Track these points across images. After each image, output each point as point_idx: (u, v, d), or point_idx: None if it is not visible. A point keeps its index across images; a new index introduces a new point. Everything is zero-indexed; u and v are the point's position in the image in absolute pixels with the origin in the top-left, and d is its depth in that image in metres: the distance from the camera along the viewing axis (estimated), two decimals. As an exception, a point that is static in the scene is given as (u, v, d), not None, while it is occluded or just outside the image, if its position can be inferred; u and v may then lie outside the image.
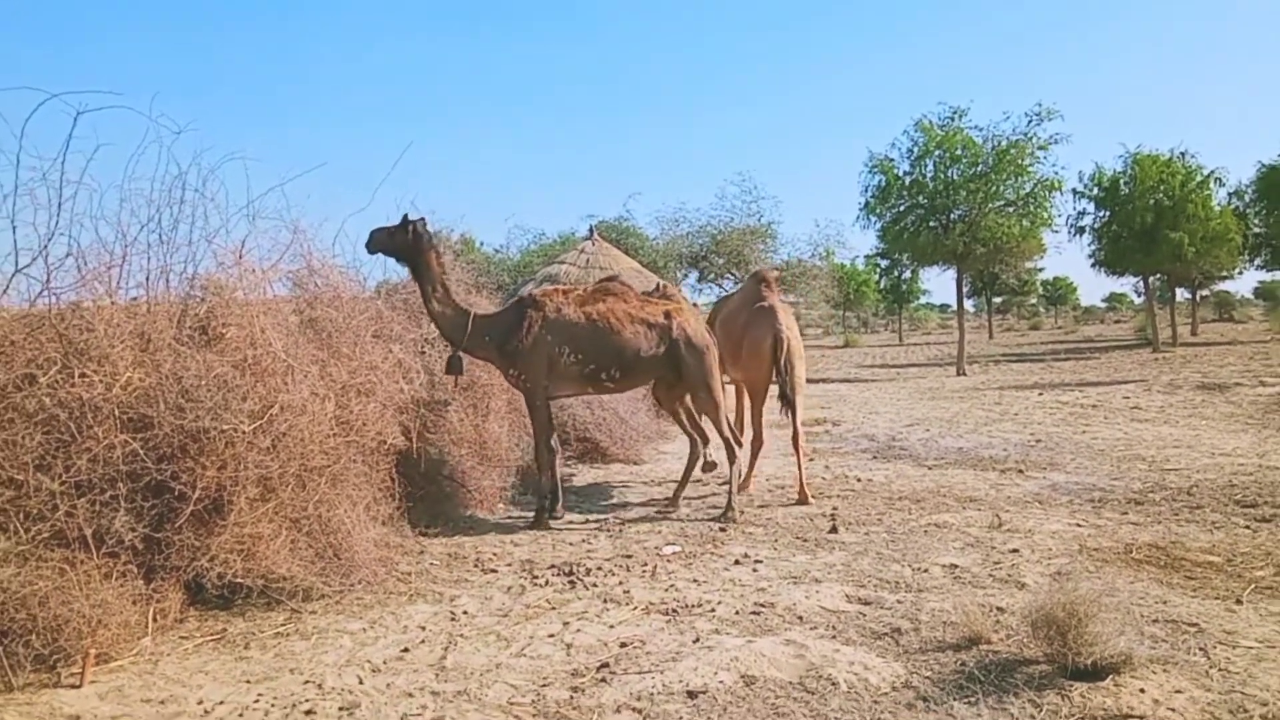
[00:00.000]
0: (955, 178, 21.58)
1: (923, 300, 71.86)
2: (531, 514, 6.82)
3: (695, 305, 10.57)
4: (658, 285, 10.75)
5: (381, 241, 6.33)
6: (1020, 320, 75.43)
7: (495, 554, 5.87)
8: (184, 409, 4.42)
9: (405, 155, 7.11)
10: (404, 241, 6.34)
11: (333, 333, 5.52)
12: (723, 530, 6.39)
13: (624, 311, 6.74)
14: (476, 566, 5.57)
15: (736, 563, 5.54)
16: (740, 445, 7.15)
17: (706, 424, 7.59)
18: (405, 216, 6.40)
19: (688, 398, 7.35)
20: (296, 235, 5.62)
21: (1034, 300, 76.36)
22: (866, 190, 22.92)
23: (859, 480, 8.28)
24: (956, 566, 5.32)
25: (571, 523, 6.81)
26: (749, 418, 8.18)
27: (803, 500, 7.31)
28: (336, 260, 6.06)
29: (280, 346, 4.87)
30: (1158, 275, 32.10)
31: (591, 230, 15.36)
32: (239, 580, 4.52)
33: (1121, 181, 27.65)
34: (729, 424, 7.06)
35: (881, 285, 54.79)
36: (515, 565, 5.59)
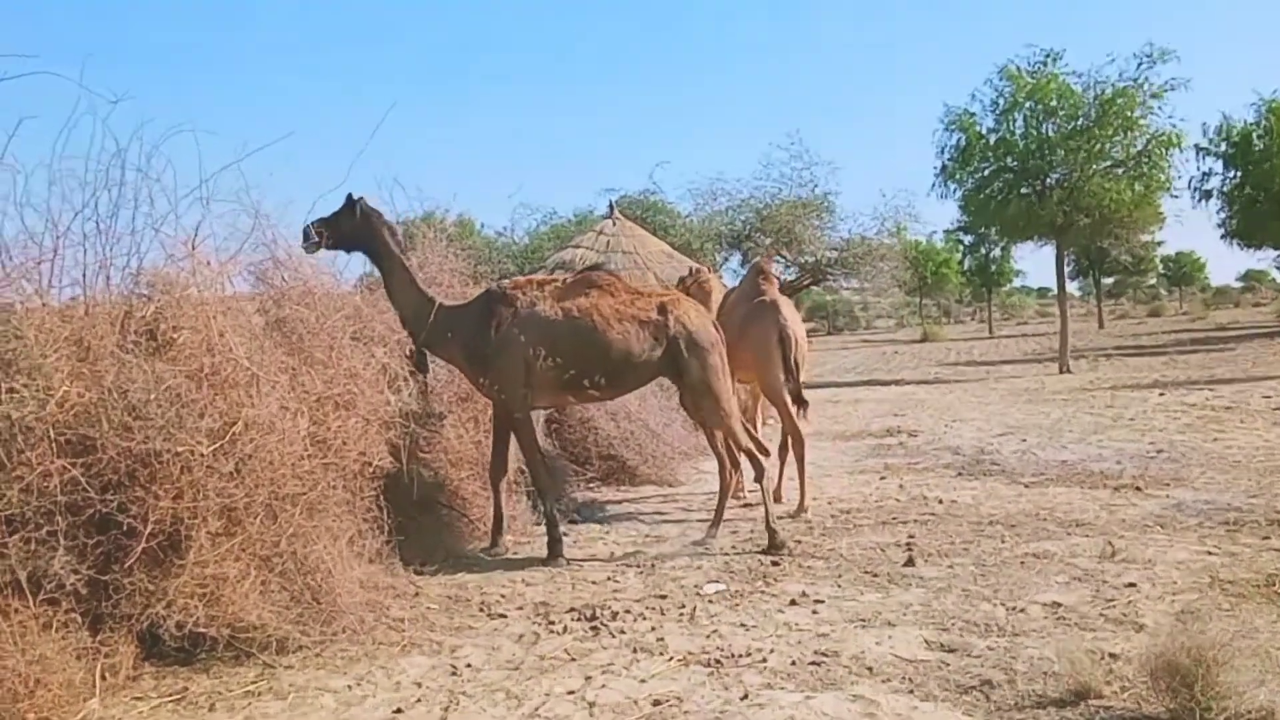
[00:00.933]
0: (1050, 134, 21.39)
1: (1017, 283, 71.37)
2: (547, 547, 6.83)
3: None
4: (690, 270, 10.86)
5: (325, 234, 6.35)
6: (1137, 305, 74.55)
7: (504, 595, 5.89)
8: (131, 429, 4.48)
9: (387, 121, 7.13)
10: (353, 226, 6.42)
11: (305, 335, 5.57)
12: (775, 564, 6.38)
13: (610, 307, 6.74)
14: (482, 611, 5.60)
15: (793, 603, 5.53)
16: (766, 454, 7.10)
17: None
18: (349, 196, 6.49)
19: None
20: (259, 221, 5.67)
21: (1153, 281, 75.53)
22: (943, 152, 22.81)
23: (941, 502, 8.24)
24: (1060, 605, 5.27)
25: (594, 557, 6.83)
26: (788, 424, 8.43)
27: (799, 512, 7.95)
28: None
29: (243, 353, 4.92)
30: (1304, 247, 31.65)
31: (611, 207, 15.39)
32: (201, 630, 4.56)
33: (1255, 135, 27.31)
34: (748, 433, 7.06)
35: (965, 266, 54.43)
36: (528, 609, 5.61)
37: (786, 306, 8.41)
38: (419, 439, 6.58)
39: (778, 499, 8.38)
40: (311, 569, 5.05)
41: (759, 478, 6.96)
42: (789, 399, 8.05)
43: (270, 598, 4.84)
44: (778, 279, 9.05)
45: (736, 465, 7.53)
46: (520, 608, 5.64)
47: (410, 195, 7.90)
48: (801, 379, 8.08)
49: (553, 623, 5.32)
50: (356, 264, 7.16)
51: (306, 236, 6.30)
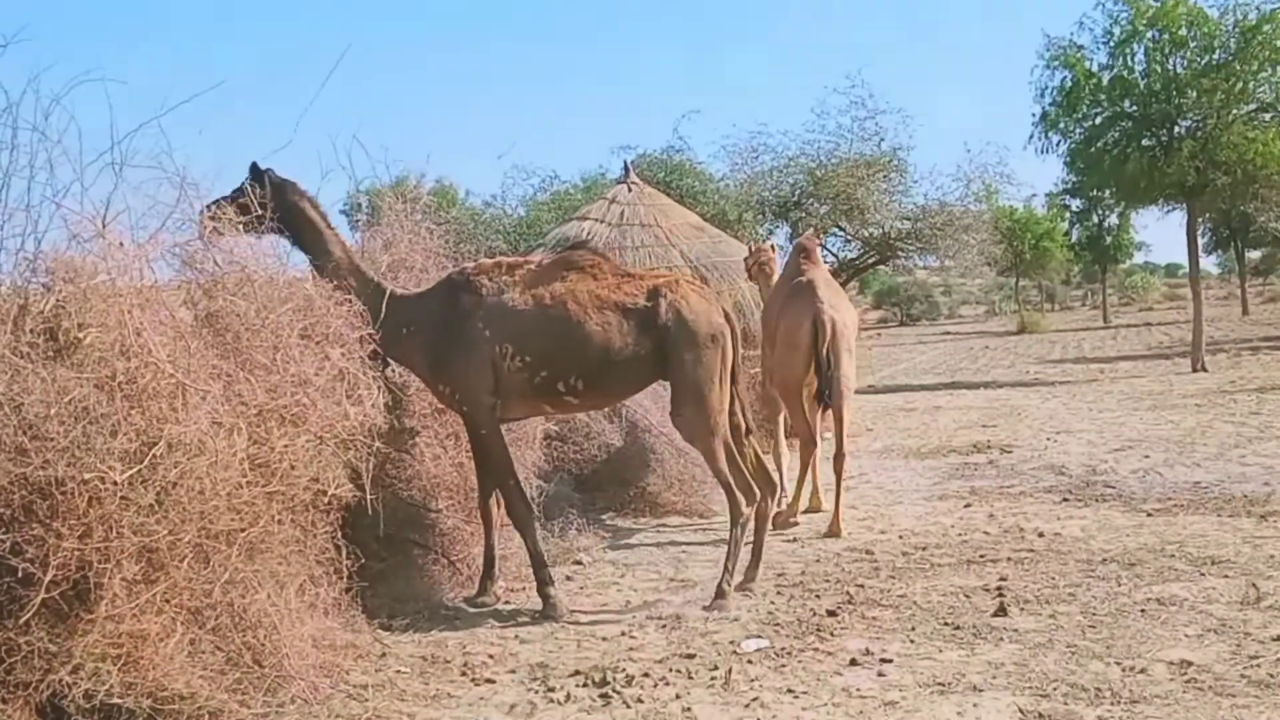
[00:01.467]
0: (1179, 71, 21.27)
1: (1138, 259, 70.98)
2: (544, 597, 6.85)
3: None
4: (751, 249, 11.11)
5: (223, 219, 6.17)
6: (1290, 286, 73.99)
7: (492, 656, 5.90)
8: (27, 451, 4.50)
9: (349, 68, 7.14)
10: (262, 202, 6.41)
11: (242, 333, 5.57)
12: (832, 614, 6.38)
13: (589, 294, 6.72)
14: (464, 675, 5.59)
15: (853, 663, 5.52)
16: (751, 497, 6.95)
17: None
18: (253, 164, 6.54)
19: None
20: (185, 192, 5.67)
21: (1314, 254, 74.86)
22: (1044, 95, 22.71)
23: (1041, 535, 8.23)
24: (1190, 664, 5.24)
25: (606, 608, 6.85)
26: (799, 425, 9.41)
27: (833, 533, 8.61)
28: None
29: (165, 355, 4.93)
30: None
31: (626, 168, 15.38)
32: (115, 701, 4.57)
33: None
34: (732, 458, 6.92)
35: (1074, 238, 54.17)
36: (521, 672, 5.61)
37: (827, 288, 9.13)
38: (386, 461, 6.59)
39: (835, 533, 8.69)
40: (252, 624, 5.06)
41: (734, 520, 6.81)
42: (805, 397, 8.81)
43: (201, 660, 4.85)
44: (832, 257, 9.53)
45: (770, 488, 7.37)
46: (512, 671, 5.63)
47: (374, 157, 7.88)
48: (843, 374, 8.84)
49: (552, 689, 5.32)
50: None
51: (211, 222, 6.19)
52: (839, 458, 8.87)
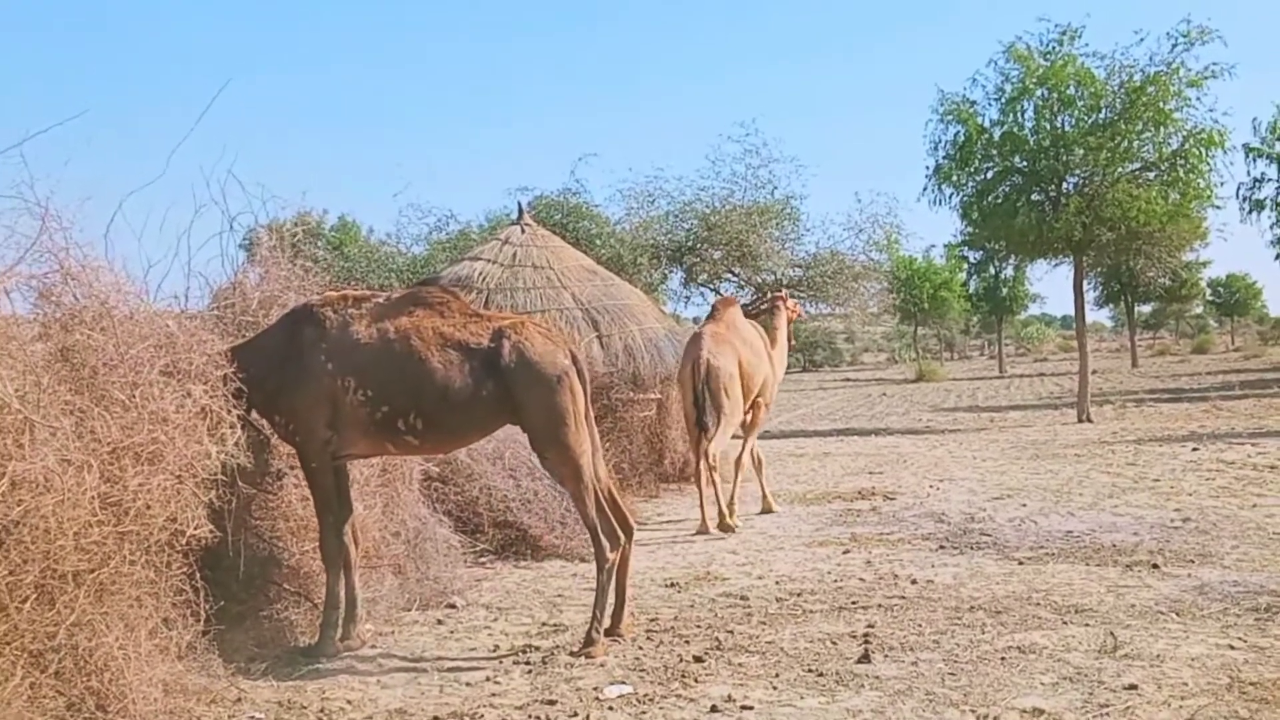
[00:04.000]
0: (1066, 128, 21.81)
1: (1034, 310, 72.54)
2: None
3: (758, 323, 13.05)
4: (765, 295, 12.94)
5: None
6: (1180, 339, 76.20)
7: (350, 702, 5.82)
8: None
9: (222, 100, 7.03)
10: None
11: (99, 368, 5.47)
12: (698, 660, 6.37)
13: (433, 330, 6.68)
14: (320, 721, 5.51)
15: (714, 709, 5.51)
16: (615, 542, 6.85)
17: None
18: None
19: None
20: (45, 223, 5.56)
21: (1199, 310, 77.18)
22: (937, 148, 23.10)
23: (914, 582, 8.30)
24: (1043, 712, 5.30)
25: (473, 652, 6.78)
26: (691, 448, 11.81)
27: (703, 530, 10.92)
28: (106, 261, 6.00)
29: (13, 390, 4.83)
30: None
31: (521, 210, 15.40)
32: (-55, 748, 4.45)
33: (1317, 133, 28.07)
34: (599, 502, 6.87)
35: (971, 289, 55.22)
36: (378, 718, 5.54)
37: (713, 339, 11.40)
38: (250, 502, 6.49)
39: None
40: (97, 668, 4.96)
41: (600, 566, 6.77)
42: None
43: (41, 705, 4.75)
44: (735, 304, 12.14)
45: (629, 531, 7.15)
46: (369, 717, 5.57)
47: (250, 193, 7.73)
48: (718, 408, 11.14)
49: (408, 736, 5.24)
50: (171, 281, 7.06)
51: None
52: (700, 470, 11.24)
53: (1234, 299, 75.44)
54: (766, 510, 12.05)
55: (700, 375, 11.05)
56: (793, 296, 20.26)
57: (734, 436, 12.00)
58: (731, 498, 11.36)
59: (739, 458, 12.05)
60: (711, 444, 11.12)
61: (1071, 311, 25.13)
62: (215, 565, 6.09)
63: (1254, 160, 29.03)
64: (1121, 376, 41.51)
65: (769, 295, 14.20)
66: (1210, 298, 73.27)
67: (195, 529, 5.55)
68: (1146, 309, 70.01)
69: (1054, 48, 22.04)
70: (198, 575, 5.70)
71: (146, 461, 5.40)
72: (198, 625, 5.69)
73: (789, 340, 13.41)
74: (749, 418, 12.08)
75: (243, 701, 5.75)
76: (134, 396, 5.51)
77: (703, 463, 11.15)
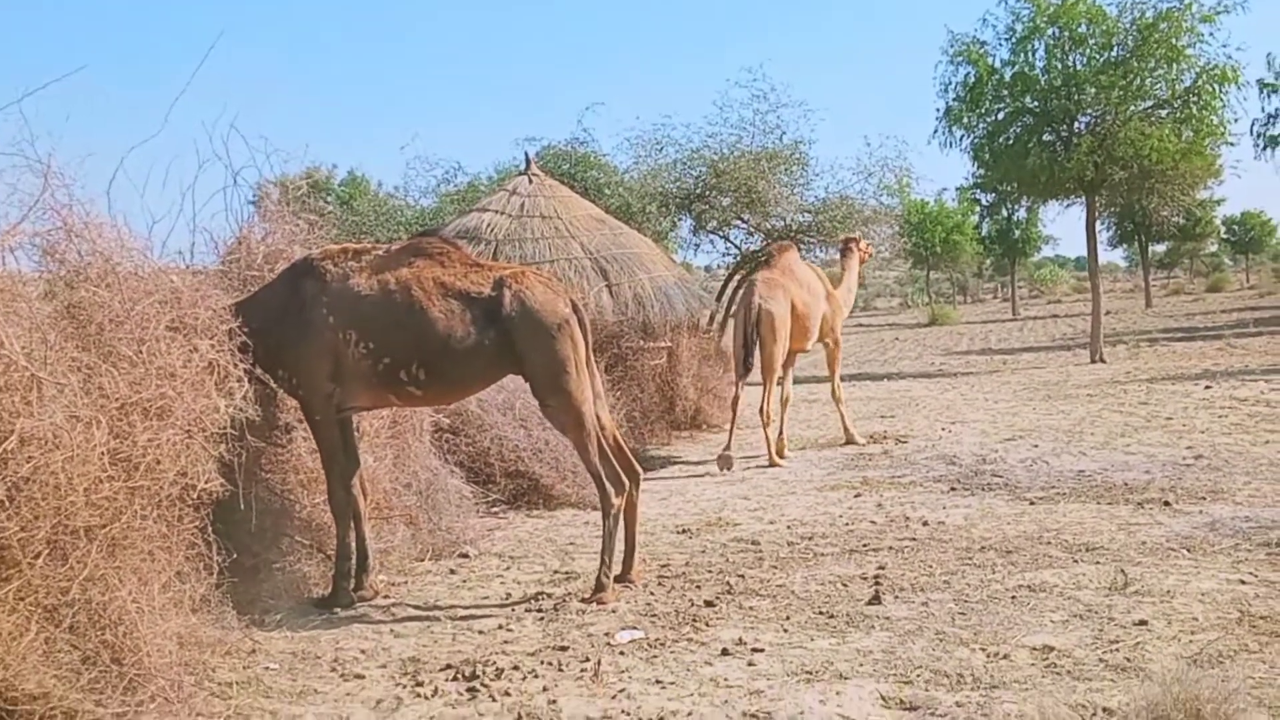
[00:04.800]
0: (1078, 67, 21.66)
1: (1047, 252, 72.12)
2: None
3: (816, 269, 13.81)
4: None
5: None
6: (1194, 278, 75.69)
7: (364, 651, 5.86)
8: None
9: (227, 57, 7.02)
10: None
11: (106, 325, 5.47)
12: (710, 604, 6.41)
13: (434, 280, 6.69)
14: (334, 671, 5.57)
15: (725, 653, 5.56)
16: (621, 488, 6.89)
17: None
18: None
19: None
20: (48, 180, 5.54)
21: (1213, 248, 76.63)
22: (947, 89, 23.02)
23: (925, 524, 8.34)
24: (1052, 649, 5.34)
25: (486, 600, 6.84)
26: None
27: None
28: (110, 218, 5.98)
29: (19, 347, 4.83)
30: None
31: (528, 160, 15.31)
32: (-37, 701, 4.49)
33: (1332, 66, 27.76)
34: (603, 450, 6.90)
35: (984, 232, 54.91)
36: (392, 666, 5.59)
37: (766, 285, 12.10)
38: (259, 455, 6.51)
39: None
40: (111, 622, 4.96)
41: (606, 512, 6.80)
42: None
43: (56, 659, 4.75)
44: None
45: (635, 477, 7.16)
46: (383, 665, 5.61)
47: (253, 147, 7.66)
48: (765, 352, 11.89)
49: (421, 684, 5.29)
50: (175, 237, 7.05)
51: None
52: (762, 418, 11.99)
53: (1249, 236, 74.74)
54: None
55: (751, 319, 11.80)
56: (803, 241, 20.31)
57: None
58: (781, 432, 12.37)
59: (834, 391, 13.30)
60: (765, 396, 12.00)
61: (1084, 253, 25.01)
62: (227, 519, 6.08)
63: (1268, 95, 28.77)
64: (1135, 316, 41.35)
65: (843, 237, 15.34)
66: (1225, 236, 72.64)
67: (206, 483, 5.55)
68: (1161, 248, 69.50)
69: (1065, -16, 21.80)
70: (210, 529, 5.69)
71: (155, 417, 5.40)
72: (211, 578, 5.69)
73: (859, 281, 14.60)
74: (829, 351, 13.40)
75: (257, 653, 5.80)
76: (141, 352, 5.50)
77: (738, 399, 12.31)
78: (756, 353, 11.92)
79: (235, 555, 6.05)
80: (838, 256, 15.21)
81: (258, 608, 6.32)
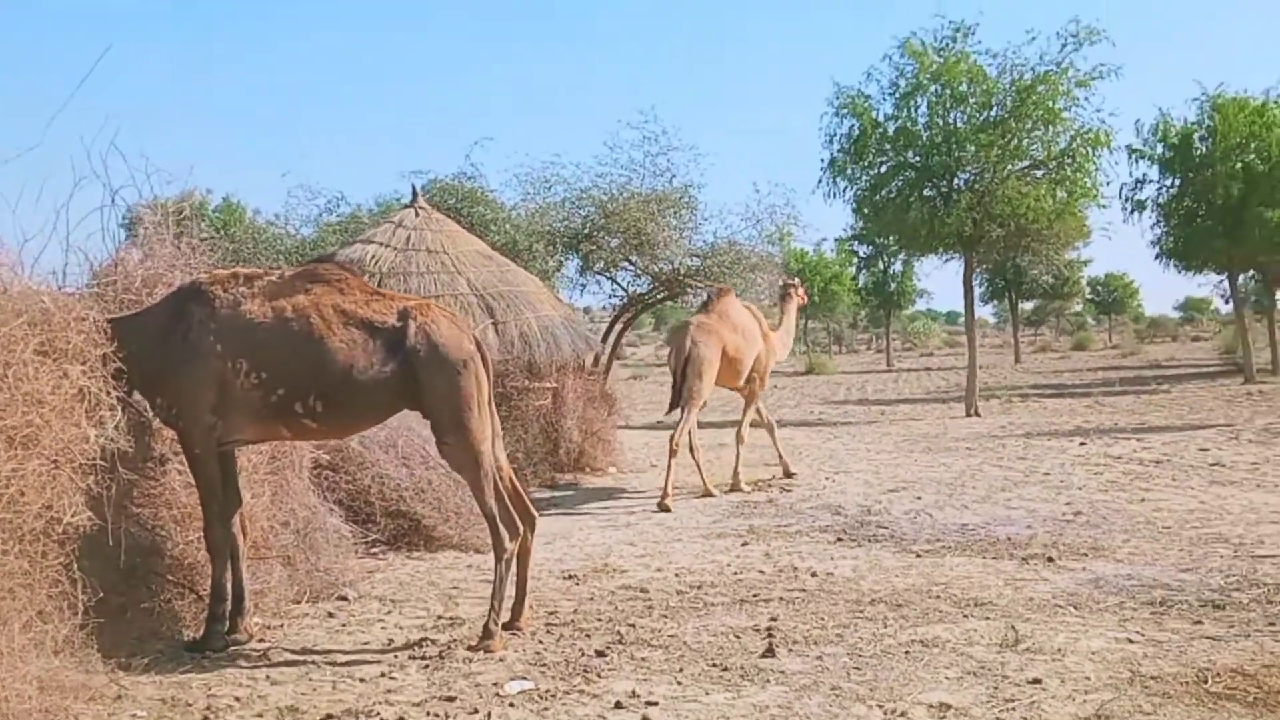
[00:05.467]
0: (959, 125, 22.15)
1: (921, 305, 73.76)
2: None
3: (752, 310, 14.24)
4: (783, 281, 15.27)
5: None
6: (1059, 336, 78.01)
7: (238, 699, 5.61)
8: None
9: (103, 67, 6.77)
10: None
11: (-32, 347, 5.19)
12: (600, 654, 6.26)
13: (334, 308, 6.48)
14: (206, 719, 5.33)
15: (618, 706, 5.42)
16: (515, 532, 6.68)
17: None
18: None
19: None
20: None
21: (1078, 307, 79.05)
22: (832, 141, 23.30)
23: (814, 575, 8.28)
24: (949, 707, 5.28)
25: (367, 646, 6.60)
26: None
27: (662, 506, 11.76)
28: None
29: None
30: (1251, 273, 33.53)
31: (415, 193, 15.11)
32: None
33: (1197, 137, 28.79)
34: (498, 493, 6.72)
35: (861, 283, 55.85)
36: (269, 716, 5.36)
37: (700, 328, 12.83)
38: (131, 488, 6.24)
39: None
40: (-34, 664, 4.69)
41: (499, 556, 6.58)
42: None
43: (-98, 705, 4.47)
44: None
45: (530, 521, 6.99)
46: (259, 715, 5.38)
47: (133, 166, 7.32)
48: (688, 387, 12.64)
49: (299, 735, 5.06)
50: (48, 257, 6.73)
51: None
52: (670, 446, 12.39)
53: (1112, 298, 77.47)
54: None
55: (681, 359, 12.68)
56: (691, 287, 20.39)
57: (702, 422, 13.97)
58: (735, 468, 13.35)
59: (739, 430, 13.89)
60: (679, 427, 12.53)
61: (956, 307, 25.66)
62: (94, 555, 5.83)
63: (1136, 161, 29.63)
64: (1005, 371, 42.34)
65: (782, 282, 16.36)
66: (1090, 296, 75.09)
67: (72, 517, 5.34)
68: (1029, 306, 71.48)
69: (948, 44, 22.41)
70: (75, 565, 5.47)
71: (20, 445, 5.17)
72: (75, 618, 5.44)
73: (795, 321, 15.52)
74: (747, 391, 13.97)
75: (123, 699, 5.53)
76: (6, 376, 5.25)
77: (676, 439, 12.44)
78: (684, 392, 12.71)
79: (101, 594, 5.80)
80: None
81: (125, 650, 6.01)
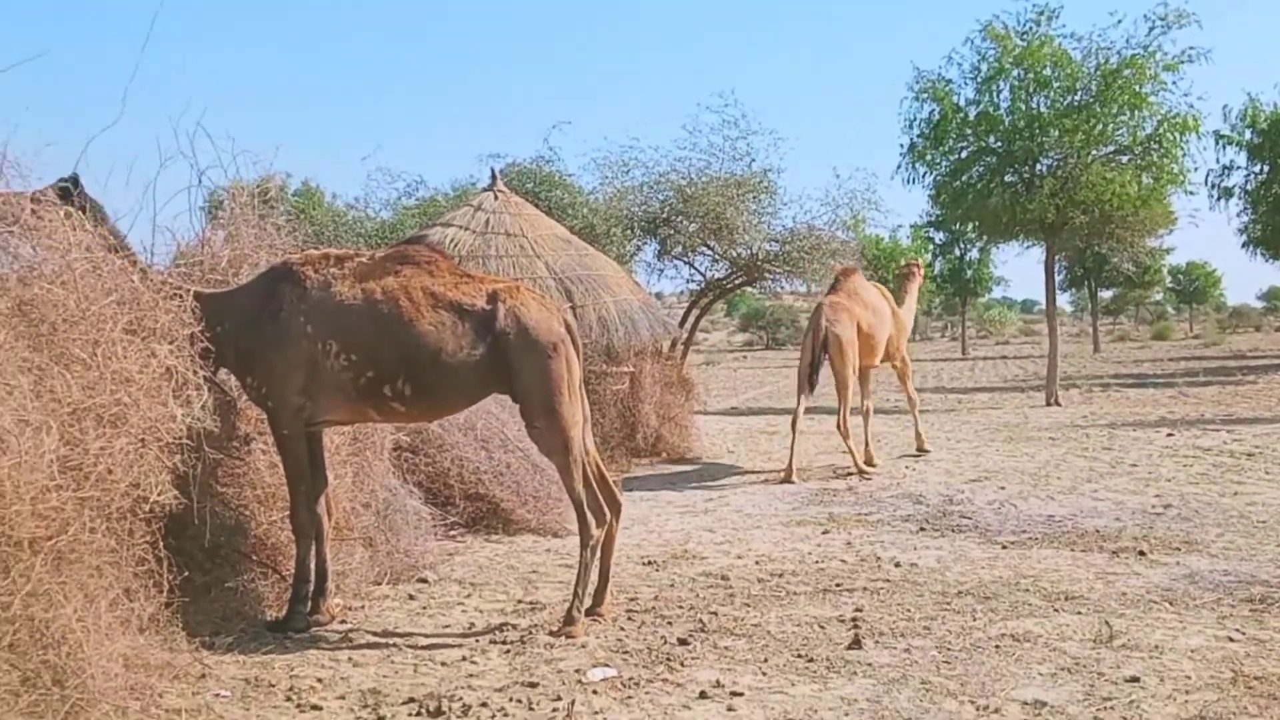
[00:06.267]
0: (1042, 110, 21.74)
1: (997, 293, 72.98)
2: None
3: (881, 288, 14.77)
4: (903, 263, 15.30)
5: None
6: (1139, 325, 76.84)
7: (321, 680, 5.60)
8: None
9: (187, 63, 6.96)
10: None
11: (59, 325, 5.22)
12: (683, 643, 6.18)
13: (423, 290, 6.41)
14: (289, 700, 5.32)
15: (703, 695, 5.34)
16: (602, 518, 6.64)
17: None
18: (66, 181, 5.93)
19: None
20: (2, 170, 5.39)
21: (1158, 296, 77.86)
22: (912, 126, 23.04)
23: (897, 565, 8.16)
24: (1044, 704, 5.15)
25: (447, 630, 6.59)
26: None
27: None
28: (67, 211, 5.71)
29: (-34, 345, 4.57)
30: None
31: (494, 176, 15.11)
32: (-111, 725, 4.21)
33: (1289, 122, 28.17)
34: (587, 478, 6.66)
35: (936, 270, 55.40)
36: (351, 698, 5.34)
37: (832, 309, 12.95)
38: (216, 468, 6.28)
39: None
40: (54, 641, 4.71)
41: (584, 543, 6.54)
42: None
43: (-7, 680, 4.49)
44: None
45: (617, 508, 6.97)
46: (342, 696, 5.36)
47: (219, 146, 7.33)
48: (838, 372, 12.92)
49: (382, 717, 5.06)
50: (136, 235, 6.73)
51: None
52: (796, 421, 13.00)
53: (1193, 287, 76.19)
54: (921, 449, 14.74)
55: (819, 341, 12.72)
56: (769, 271, 20.34)
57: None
58: (866, 442, 13.67)
59: (909, 395, 15.66)
60: (840, 413, 12.92)
61: (1031, 295, 25.36)
62: (179, 534, 5.90)
63: (1223, 148, 29.10)
64: (1084, 361, 41.74)
65: (904, 261, 17.28)
66: (1170, 285, 73.88)
67: (159, 495, 5.33)
68: (1107, 294, 70.49)
69: (1031, 28, 21.97)
70: (161, 544, 5.46)
71: (108, 424, 5.18)
72: (161, 597, 5.46)
73: (916, 300, 16.18)
74: (899, 368, 15.19)
75: (207, 677, 5.55)
76: (96, 355, 5.27)
77: (799, 417, 13.02)
78: (821, 373, 13.00)
79: (187, 573, 5.85)
80: (801, 288, 15.58)
81: (208, 629, 6.07)
